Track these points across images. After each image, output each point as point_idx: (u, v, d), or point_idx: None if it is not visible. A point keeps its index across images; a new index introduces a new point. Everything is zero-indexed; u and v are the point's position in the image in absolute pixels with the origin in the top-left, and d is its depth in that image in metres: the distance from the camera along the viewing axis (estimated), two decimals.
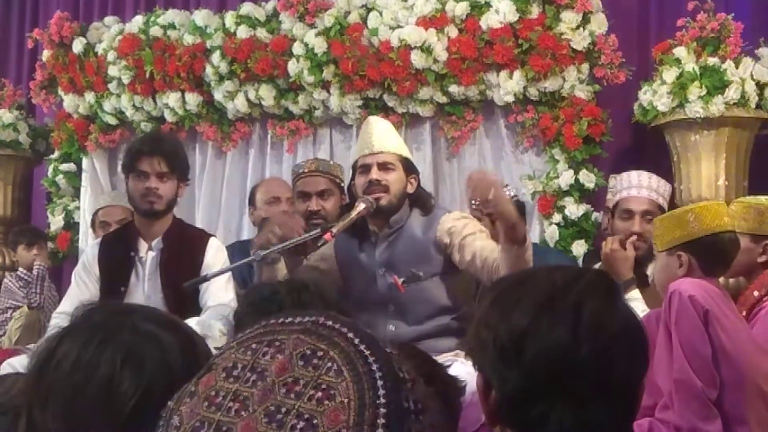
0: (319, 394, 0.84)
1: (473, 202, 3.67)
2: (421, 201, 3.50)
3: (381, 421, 0.84)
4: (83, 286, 3.82)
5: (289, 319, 0.91)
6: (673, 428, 2.69)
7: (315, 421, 0.82)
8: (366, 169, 3.45)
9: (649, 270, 3.64)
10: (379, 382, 0.86)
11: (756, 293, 3.15)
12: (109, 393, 1.21)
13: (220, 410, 0.84)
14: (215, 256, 3.78)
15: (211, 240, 3.83)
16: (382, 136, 3.50)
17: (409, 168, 3.50)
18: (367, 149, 3.48)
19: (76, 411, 1.20)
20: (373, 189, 3.41)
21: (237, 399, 0.84)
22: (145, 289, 3.77)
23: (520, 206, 4.22)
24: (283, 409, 0.82)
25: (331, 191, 3.99)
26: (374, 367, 0.88)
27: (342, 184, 4.09)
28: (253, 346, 0.89)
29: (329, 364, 0.86)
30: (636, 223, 3.84)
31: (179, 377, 1.20)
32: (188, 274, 3.59)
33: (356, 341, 0.89)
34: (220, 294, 3.65)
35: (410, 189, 3.49)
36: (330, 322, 0.90)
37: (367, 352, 0.89)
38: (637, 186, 3.87)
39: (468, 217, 3.50)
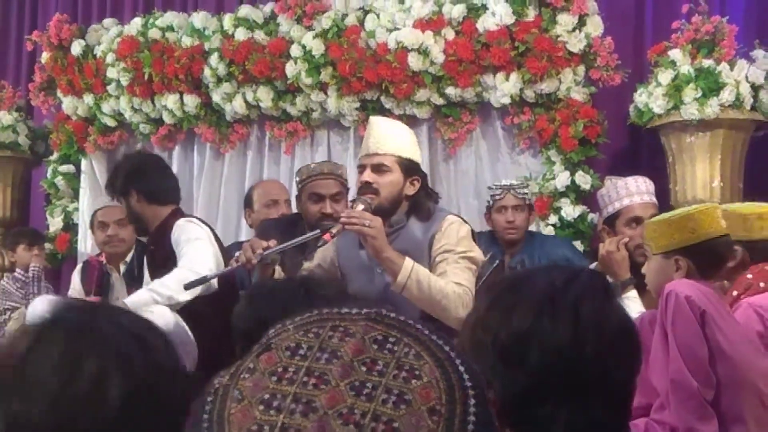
0: (404, 373, 0.84)
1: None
2: (420, 206, 3.47)
3: (472, 401, 0.85)
4: None
5: (345, 310, 0.92)
6: (669, 429, 2.70)
7: (407, 397, 0.82)
8: (362, 170, 3.44)
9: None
10: (461, 368, 0.87)
11: (735, 293, 3.17)
12: (98, 389, 1.20)
13: (294, 384, 0.83)
14: (176, 232, 3.79)
15: (177, 222, 3.85)
16: (381, 137, 3.45)
17: (409, 169, 3.45)
18: (365, 150, 3.48)
19: (63, 406, 1.19)
20: (365, 191, 3.39)
21: (312, 375, 0.84)
22: (144, 276, 3.98)
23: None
24: (369, 384, 0.82)
25: (342, 194, 3.98)
26: (452, 354, 0.88)
27: (348, 186, 4.11)
28: (314, 329, 0.89)
29: (406, 349, 0.86)
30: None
31: (166, 376, 1.23)
32: (160, 260, 3.78)
33: (426, 332, 0.90)
34: (194, 258, 3.66)
35: (410, 191, 3.44)
36: (393, 314, 0.91)
37: (440, 342, 0.89)
38: (638, 192, 3.86)
39: (464, 236, 3.44)
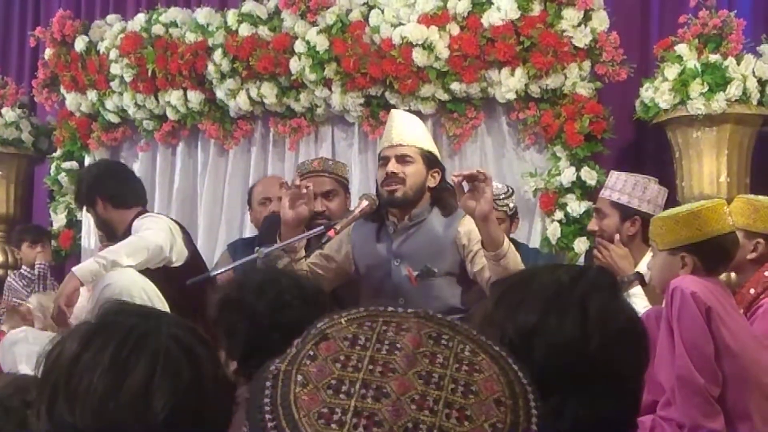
0: (465, 367, 0.87)
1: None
2: (443, 200, 3.49)
3: (531, 396, 0.88)
4: None
5: (390, 309, 0.94)
6: (675, 425, 2.69)
7: (473, 388, 0.85)
8: (385, 161, 3.50)
9: (643, 268, 3.63)
10: (514, 366, 0.91)
11: (752, 291, 3.15)
12: (143, 401, 1.20)
13: (360, 371, 0.86)
14: (135, 225, 3.84)
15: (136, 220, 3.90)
16: (403, 129, 3.52)
17: (431, 161, 3.51)
18: (387, 142, 3.54)
19: (107, 413, 1.19)
20: (390, 181, 3.44)
21: (377, 363, 0.86)
22: None
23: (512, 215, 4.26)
24: (436, 375, 0.85)
25: (336, 191, 3.99)
26: (503, 353, 0.92)
27: (347, 183, 4.10)
28: (367, 323, 0.92)
29: (461, 346, 0.90)
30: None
31: (211, 389, 1.25)
32: None
33: (473, 331, 0.93)
34: (144, 228, 3.73)
35: (431, 183, 3.50)
36: (440, 315, 0.94)
37: (489, 342, 0.92)
38: (605, 186, 3.94)
39: None
